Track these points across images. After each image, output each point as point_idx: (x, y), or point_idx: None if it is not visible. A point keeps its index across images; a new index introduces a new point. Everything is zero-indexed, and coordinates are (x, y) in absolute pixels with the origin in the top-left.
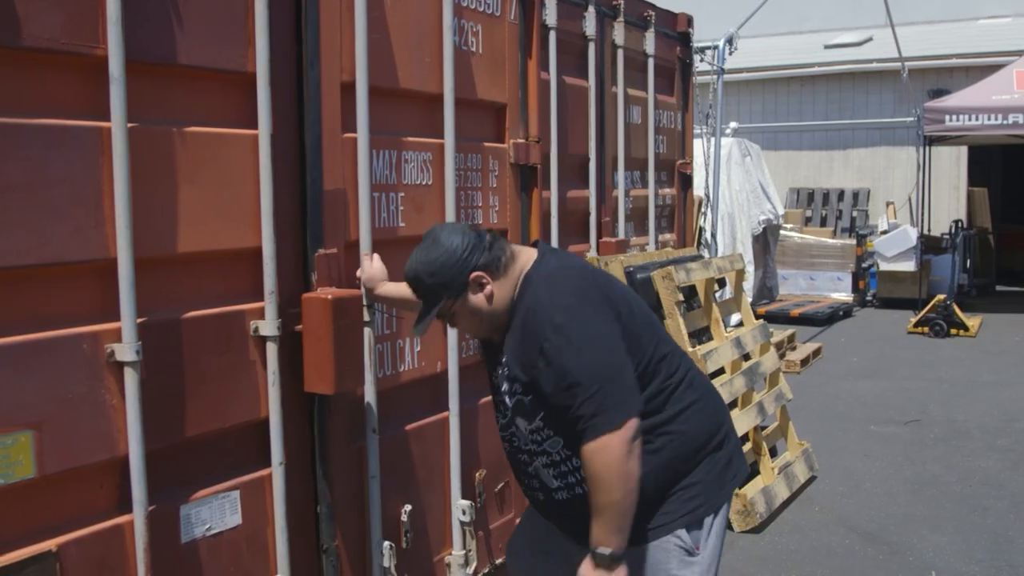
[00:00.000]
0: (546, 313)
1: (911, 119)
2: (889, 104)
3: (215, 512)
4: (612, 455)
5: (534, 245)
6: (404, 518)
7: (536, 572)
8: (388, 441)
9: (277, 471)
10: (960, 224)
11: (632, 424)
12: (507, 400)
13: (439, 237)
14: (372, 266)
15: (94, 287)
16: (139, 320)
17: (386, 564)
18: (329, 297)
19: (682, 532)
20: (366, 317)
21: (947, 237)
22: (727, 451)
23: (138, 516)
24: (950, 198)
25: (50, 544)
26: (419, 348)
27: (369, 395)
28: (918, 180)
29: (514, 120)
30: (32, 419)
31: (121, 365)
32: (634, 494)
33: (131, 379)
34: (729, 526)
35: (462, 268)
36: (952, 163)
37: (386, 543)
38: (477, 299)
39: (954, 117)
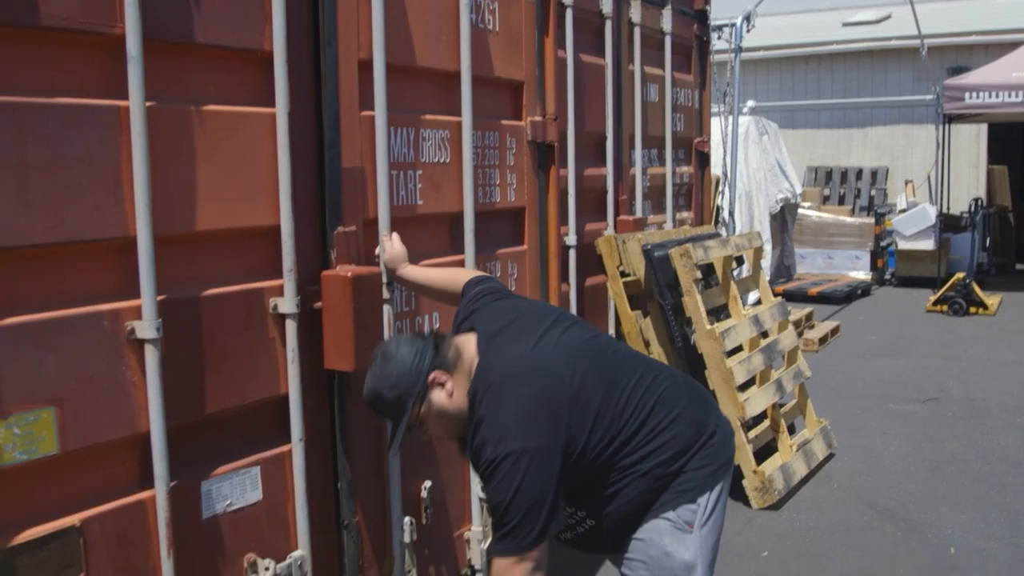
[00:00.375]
0: (486, 439)
1: (930, 97)
2: (908, 82)
3: (236, 488)
4: None
5: (471, 328)
6: (424, 494)
7: None
8: None
9: (297, 447)
10: (980, 202)
11: (534, 555)
12: None
13: (388, 352)
14: (393, 246)
15: (114, 265)
16: (159, 298)
17: (406, 540)
18: (349, 275)
19: (670, 513)
20: (385, 295)
21: (966, 215)
22: (719, 438)
23: (160, 492)
24: (970, 176)
25: (73, 519)
26: (438, 325)
27: None
28: (937, 158)
29: (531, 98)
30: (54, 396)
31: (141, 342)
32: None
33: (151, 356)
34: (747, 503)
35: (419, 373)
36: (972, 141)
37: (407, 519)
38: (440, 398)
39: (974, 95)
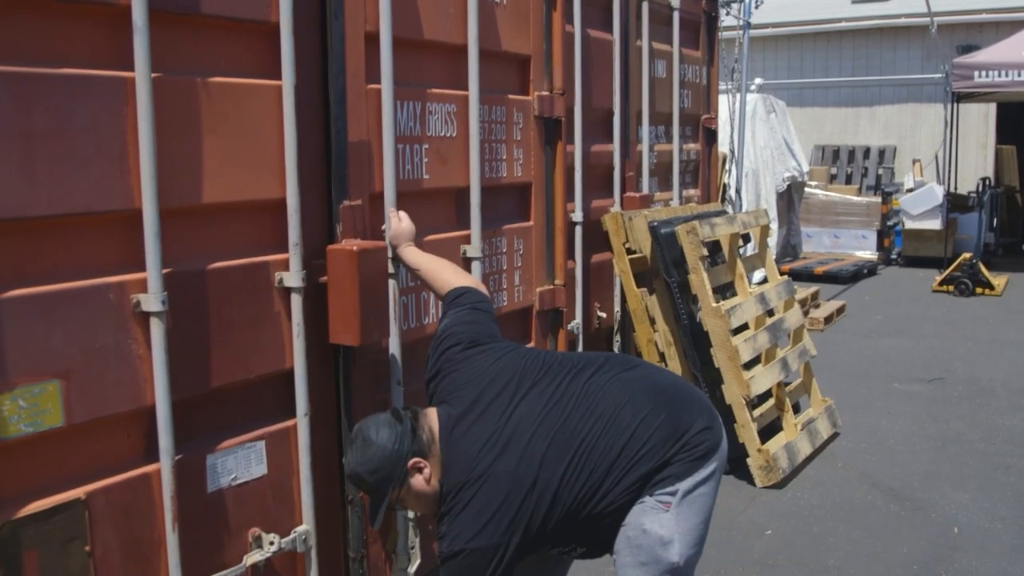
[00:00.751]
0: (444, 534)
1: (939, 75)
2: (917, 60)
3: (241, 462)
4: None
5: (430, 397)
6: None
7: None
8: (412, 393)
9: (302, 422)
10: (987, 182)
11: None
12: None
13: (367, 435)
14: (400, 223)
15: (119, 237)
16: (164, 271)
17: (410, 515)
18: (355, 249)
19: (647, 498)
20: (391, 269)
21: (974, 195)
22: (699, 436)
23: (165, 465)
24: (977, 156)
25: (78, 492)
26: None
27: (394, 347)
28: (945, 137)
29: (538, 72)
30: (60, 368)
31: (147, 315)
32: None
33: (157, 329)
34: (751, 481)
35: (398, 459)
36: (980, 120)
37: None
38: (418, 483)
39: (983, 73)
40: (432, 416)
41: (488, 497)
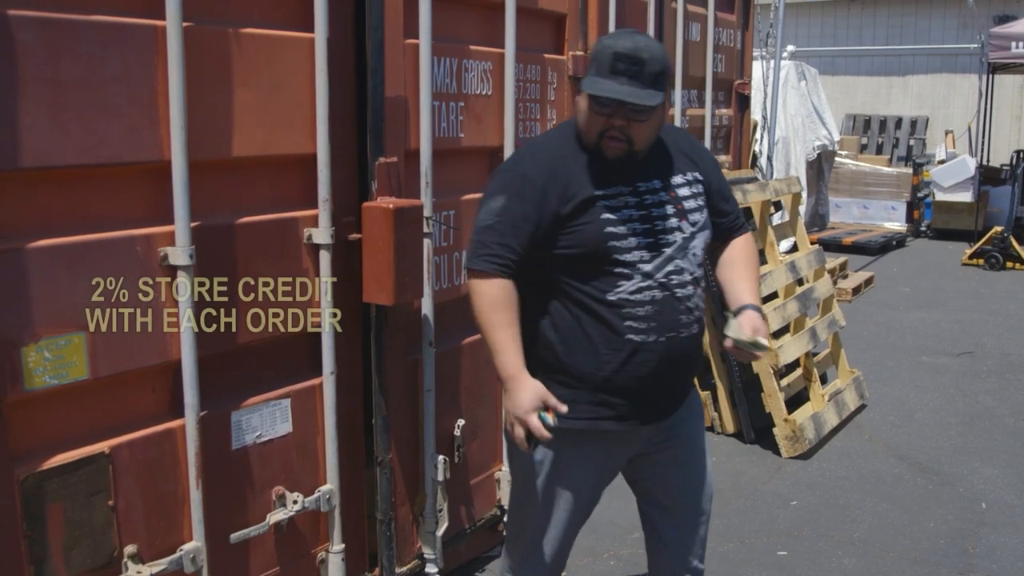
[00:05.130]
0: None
1: (975, 46)
2: (952, 30)
3: (266, 420)
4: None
5: None
6: (457, 432)
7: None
8: (443, 355)
9: (328, 381)
10: (1021, 155)
11: None
12: (693, 216)
13: (637, 31)
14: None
15: (148, 189)
16: (193, 224)
17: (439, 478)
18: (391, 206)
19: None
20: (426, 228)
21: (1007, 168)
22: None
23: (190, 421)
24: (1011, 128)
25: (103, 446)
26: None
27: (426, 308)
28: (979, 109)
29: (573, 32)
30: (85, 320)
31: (174, 269)
32: None
33: (184, 283)
34: (777, 451)
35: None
36: (1015, 92)
37: (440, 457)
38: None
39: (1020, 44)
40: None
41: None
